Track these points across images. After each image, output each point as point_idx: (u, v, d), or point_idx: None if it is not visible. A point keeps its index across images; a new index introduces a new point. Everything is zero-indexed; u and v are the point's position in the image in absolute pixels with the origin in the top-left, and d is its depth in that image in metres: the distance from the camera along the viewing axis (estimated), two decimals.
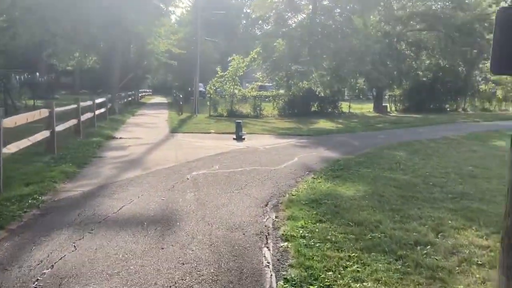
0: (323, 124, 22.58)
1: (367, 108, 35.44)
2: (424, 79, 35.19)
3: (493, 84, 37.29)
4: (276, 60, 26.32)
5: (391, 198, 6.55)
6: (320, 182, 7.77)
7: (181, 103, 29.82)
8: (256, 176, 8.23)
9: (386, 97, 35.64)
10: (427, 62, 34.90)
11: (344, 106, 31.70)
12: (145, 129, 18.03)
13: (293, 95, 28.29)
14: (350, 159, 10.24)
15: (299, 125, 21.72)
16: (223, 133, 17.10)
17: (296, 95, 28.03)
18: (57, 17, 21.54)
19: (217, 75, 28.20)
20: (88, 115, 16.41)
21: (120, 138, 14.61)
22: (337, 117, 27.83)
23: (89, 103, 16.70)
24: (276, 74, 27.91)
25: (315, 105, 30.18)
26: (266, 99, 30.23)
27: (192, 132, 17.00)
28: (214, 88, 28.11)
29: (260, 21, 36.81)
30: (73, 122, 13.45)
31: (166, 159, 10.28)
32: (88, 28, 23.38)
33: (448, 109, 35.79)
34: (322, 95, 27.51)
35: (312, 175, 8.47)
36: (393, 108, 35.11)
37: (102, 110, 20.06)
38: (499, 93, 38.07)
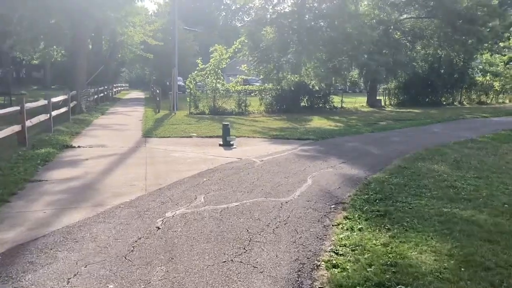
0: (318, 122, 19.94)
1: (360, 102, 32.94)
2: (420, 71, 32.85)
3: (490, 76, 35.21)
4: (264, 50, 23.43)
5: (504, 273, 3.88)
6: (363, 230, 5.05)
7: (158, 99, 26.80)
8: (262, 219, 5.47)
9: (380, 90, 33.20)
10: (423, 52, 32.49)
11: (336, 100, 29.15)
12: (113, 133, 15.07)
13: (282, 90, 25.54)
14: (382, 180, 7.55)
15: (292, 123, 19.05)
16: (206, 136, 14.29)
17: (284, 89, 25.27)
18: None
19: (197, 68, 25.27)
20: (42, 117, 13.41)
21: (79, 147, 11.66)
22: (330, 113, 25.24)
23: (41, 102, 13.68)
24: (264, 67, 25.04)
25: (305, 100, 27.58)
26: (252, 94, 27.46)
27: (169, 137, 14.12)
28: (195, 82, 25.18)
29: (240, 13, 33.88)
30: (14, 129, 10.48)
31: (131, 183, 7.44)
32: (49, 13, 20.19)
33: (444, 103, 33.59)
34: (316, 88, 24.77)
35: (344, 213, 5.76)
36: (388, 102, 32.70)
37: (63, 110, 17.02)
38: (496, 85, 36.05)
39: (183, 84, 39.25)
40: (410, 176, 7.84)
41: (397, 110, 28.40)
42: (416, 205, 6.05)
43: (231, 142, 12.40)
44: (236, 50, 25.13)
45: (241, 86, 25.79)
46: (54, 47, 32.33)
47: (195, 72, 25.26)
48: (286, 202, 6.20)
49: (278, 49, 23.06)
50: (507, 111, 27.22)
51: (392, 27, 27.92)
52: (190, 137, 14.25)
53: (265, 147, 11.99)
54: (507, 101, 36.92)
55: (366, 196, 6.51)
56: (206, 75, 25.04)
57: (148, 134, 14.57)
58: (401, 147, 11.73)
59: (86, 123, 17.56)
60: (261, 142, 13.13)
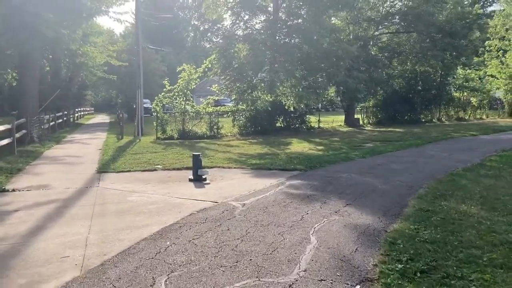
0: (299, 145, 18.09)
1: (337, 121, 31.46)
2: (397, 88, 31.68)
3: (467, 91, 34.40)
4: (237, 68, 21.52)
5: None
6: None
7: (121, 124, 24.47)
8: None
9: (357, 108, 31.78)
10: (400, 68, 31.37)
11: (312, 120, 27.47)
12: (63, 168, 12.73)
13: (256, 110, 23.67)
14: (410, 234, 5.61)
15: (270, 148, 17.13)
16: (174, 169, 12.15)
17: (259, 110, 23.40)
18: None
19: (164, 89, 23.17)
20: None
21: (13, 190, 9.32)
22: (308, 134, 23.51)
23: None
24: (237, 86, 23.13)
25: (281, 120, 25.80)
26: (224, 116, 25.50)
27: (129, 171, 11.91)
28: (162, 104, 23.04)
29: (209, 33, 32.03)
30: None
31: (64, 253, 5.25)
32: None
33: (423, 120, 32.46)
34: (293, 109, 22.96)
35: None
36: (366, 121, 31.28)
37: (5, 141, 14.62)
38: (474, 100, 35.30)
39: (150, 106, 36.94)
40: (442, 225, 5.94)
41: (378, 129, 26.93)
42: (479, 281, 4.13)
43: (204, 176, 10.33)
44: (207, 69, 23.18)
45: (212, 108, 23.82)
46: (9, 70, 29.60)
47: (162, 94, 23.16)
48: (290, 287, 4.15)
49: (252, 67, 21.21)
50: (491, 127, 26.13)
51: (371, 42, 26.60)
52: (155, 170, 12.08)
53: (245, 181, 9.96)
54: (484, 116, 36.18)
55: (400, 266, 4.54)
56: (174, 96, 22.97)
57: (104, 168, 12.30)
58: (406, 177, 9.90)
59: (34, 156, 15.12)
60: (239, 174, 11.09)
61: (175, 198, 8.26)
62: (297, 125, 26.13)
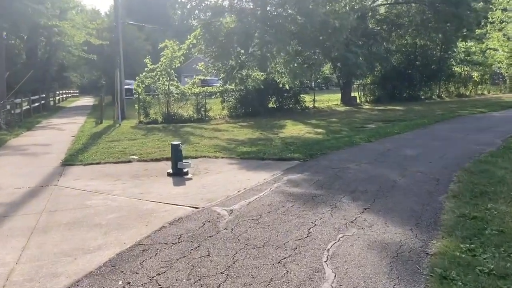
0: (294, 128, 16.42)
1: (333, 100, 29.72)
2: (395, 63, 29.91)
3: (470, 66, 32.69)
4: (224, 43, 19.55)
5: None
6: None
7: (102, 106, 22.62)
8: None
9: (354, 86, 30.00)
10: (398, 42, 29.53)
11: (307, 99, 25.71)
12: (24, 160, 10.98)
13: (246, 90, 21.85)
14: (465, 262, 3.97)
15: (263, 131, 15.45)
16: (152, 160, 10.45)
17: (249, 89, 21.58)
18: None
19: (146, 69, 21.21)
20: None
21: None
22: (303, 115, 21.80)
23: None
24: (224, 63, 21.20)
25: (273, 101, 24.04)
26: (212, 97, 23.66)
27: (99, 163, 10.17)
28: (144, 85, 21.14)
29: (196, 11, 29.73)
30: None
31: None
32: None
33: (422, 97, 30.83)
34: (287, 87, 21.12)
35: None
36: (363, 99, 29.56)
37: None
38: (475, 75, 33.65)
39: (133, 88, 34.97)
40: (505, 243, 4.33)
41: (377, 108, 25.29)
42: None
43: (185, 170, 8.64)
44: (191, 45, 21.23)
45: (198, 88, 21.96)
46: None
47: (143, 73, 21.22)
48: None
49: (239, 41, 19.23)
50: (498, 104, 24.63)
51: (369, 14, 24.68)
52: (129, 161, 10.35)
53: (234, 176, 8.28)
54: (485, 92, 34.61)
55: None
56: (157, 76, 21.04)
57: (70, 160, 10.54)
58: (426, 167, 8.26)
59: None
60: (227, 166, 9.41)
61: (146, 202, 6.57)
62: (290, 105, 24.41)
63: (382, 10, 26.97)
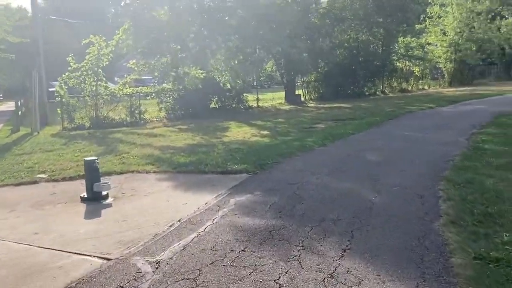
0: (238, 130, 14.82)
1: (277, 98, 28.39)
2: (339, 59, 29.10)
3: (412, 61, 32.60)
4: (156, 38, 17.50)
5: None
6: None
7: (19, 112, 19.87)
8: None
9: (297, 83, 28.83)
10: (340, 37, 28.73)
11: (250, 99, 24.24)
12: None
13: (185, 90, 19.96)
14: None
15: (204, 136, 13.71)
16: (65, 178, 8.42)
17: (189, 89, 19.70)
18: None
19: (69, 68, 18.69)
20: None
21: None
22: (247, 115, 20.21)
23: None
24: (157, 60, 19.13)
25: (215, 101, 22.29)
26: (148, 97, 21.52)
27: None
28: (67, 87, 18.64)
29: (131, 8, 27.31)
30: None
31: None
32: None
33: (367, 93, 30.26)
34: (230, 86, 19.43)
35: None
36: (308, 97, 28.48)
37: None
38: (416, 70, 33.67)
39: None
40: None
41: (323, 106, 24.23)
42: None
43: (104, 193, 6.78)
44: (121, 41, 19.00)
45: (131, 88, 19.77)
46: None
47: (66, 73, 18.70)
48: None
49: (173, 36, 17.27)
50: (442, 98, 24.34)
51: (313, 5, 23.52)
52: (35, 182, 8.26)
53: (167, 199, 6.51)
54: (426, 87, 34.75)
55: None
56: (82, 76, 18.61)
57: None
58: (400, 177, 6.91)
59: None
60: (159, 183, 7.61)
61: (39, 250, 4.66)
62: (233, 105, 22.78)
63: (324, 4, 25.98)
